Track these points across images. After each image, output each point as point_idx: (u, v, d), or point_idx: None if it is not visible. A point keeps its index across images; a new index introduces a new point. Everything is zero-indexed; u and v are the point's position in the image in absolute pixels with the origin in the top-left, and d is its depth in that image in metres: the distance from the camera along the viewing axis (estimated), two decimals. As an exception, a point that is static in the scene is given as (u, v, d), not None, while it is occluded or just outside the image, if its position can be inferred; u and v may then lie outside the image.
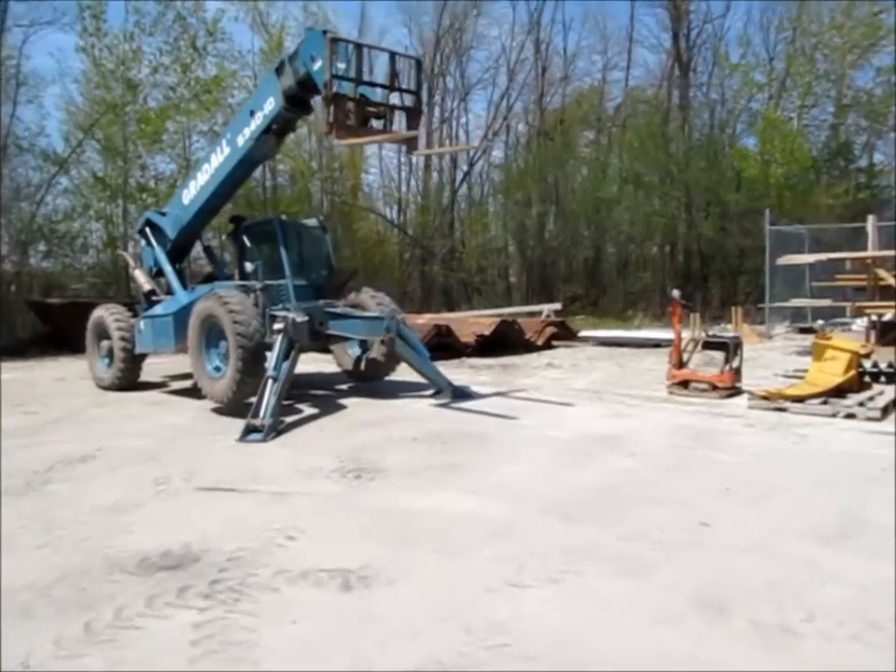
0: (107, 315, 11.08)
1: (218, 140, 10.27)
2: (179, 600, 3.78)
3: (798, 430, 7.25)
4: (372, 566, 4.12)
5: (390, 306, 9.87)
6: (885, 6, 22.86)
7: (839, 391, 8.43)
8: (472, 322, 16.62)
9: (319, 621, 3.53)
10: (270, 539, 4.58)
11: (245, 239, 10.75)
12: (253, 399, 7.98)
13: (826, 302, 15.97)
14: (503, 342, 15.73)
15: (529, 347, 16.04)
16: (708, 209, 23.21)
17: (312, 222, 11.09)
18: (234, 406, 8.50)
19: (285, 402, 9.16)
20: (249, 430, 7.45)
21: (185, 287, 10.69)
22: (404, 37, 44.16)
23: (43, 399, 10.38)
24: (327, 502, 5.36)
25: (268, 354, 8.44)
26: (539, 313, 20.86)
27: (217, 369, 8.90)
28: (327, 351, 10.83)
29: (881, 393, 8.66)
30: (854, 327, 15.29)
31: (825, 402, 8.11)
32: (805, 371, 9.46)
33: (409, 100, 9.01)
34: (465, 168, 32.81)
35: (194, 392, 9.69)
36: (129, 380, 10.89)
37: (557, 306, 21.65)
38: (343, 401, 9.46)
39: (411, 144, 9.28)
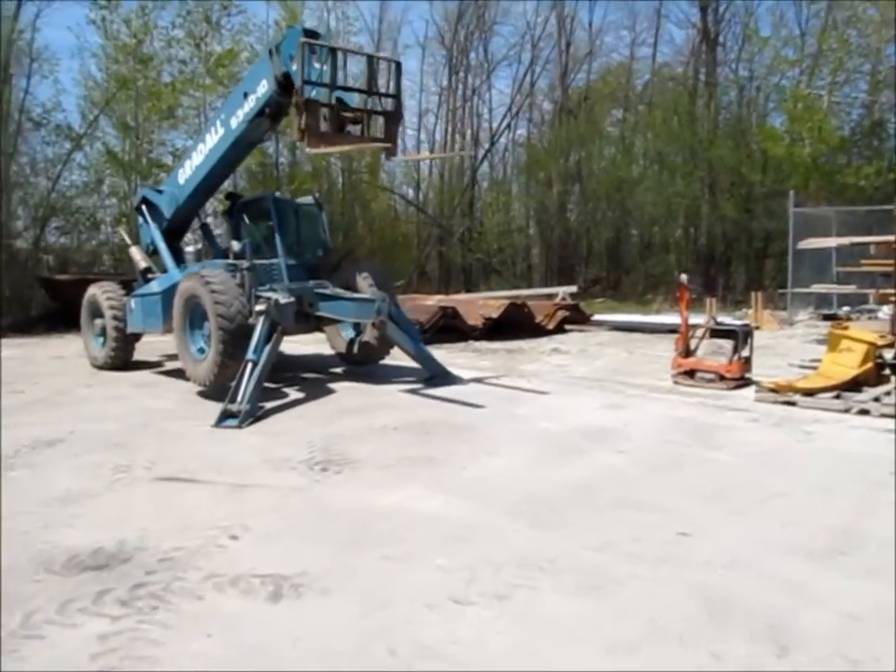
0: (100, 292, 10.87)
1: (213, 120, 9.91)
2: (94, 606, 3.48)
3: (805, 427, 6.76)
4: (311, 572, 3.79)
5: (383, 288, 9.48)
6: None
7: (855, 385, 7.88)
8: (481, 304, 16.18)
9: (235, 637, 3.20)
10: (212, 539, 4.27)
11: (239, 217, 10.45)
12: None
13: (851, 288, 15.23)
14: (513, 325, 15.29)
15: (539, 331, 15.58)
16: (733, 190, 22.36)
17: (307, 200, 10.72)
18: (217, 389, 8.22)
19: (271, 386, 8.92)
20: (225, 416, 7.16)
21: (181, 265, 10.41)
22: (425, 13, 43.49)
23: (34, 377, 10.21)
24: (284, 497, 5.04)
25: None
26: (555, 295, 20.34)
27: (201, 350, 8.62)
28: (321, 331, 10.50)
29: (901, 387, 8.10)
30: (881, 314, 14.56)
31: (837, 397, 7.59)
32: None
33: (388, 104, 8.67)
34: (486, 146, 32.21)
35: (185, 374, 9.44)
36: (122, 359, 10.69)
37: (573, 289, 21.11)
38: (332, 386, 9.15)
39: (389, 150, 8.84)
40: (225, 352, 8.02)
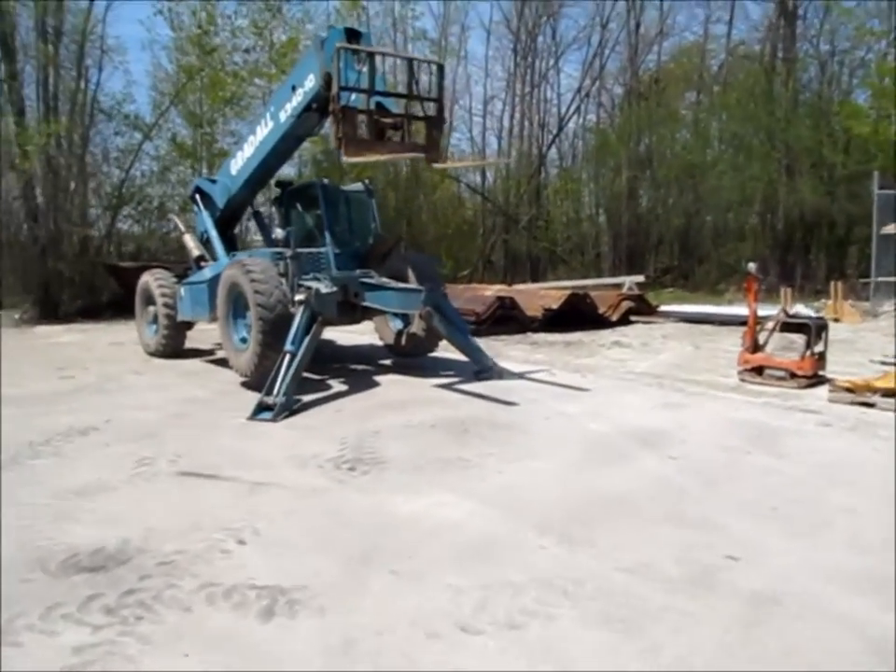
0: (152, 280, 10.93)
1: (263, 112, 9.70)
2: (79, 613, 3.28)
3: (883, 433, 6.07)
4: (312, 587, 3.49)
5: (431, 279, 9.12)
6: None
7: (945, 386, 7.09)
8: (542, 294, 15.66)
9: (213, 657, 2.93)
10: (217, 542, 4.03)
11: (287, 204, 10.29)
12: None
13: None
14: (574, 316, 14.73)
15: (602, 323, 14.96)
16: (812, 172, 20.94)
17: (357, 187, 10.45)
18: (258, 379, 8.03)
19: (315, 378, 8.75)
20: (261, 408, 6.97)
21: (232, 253, 10.33)
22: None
23: (87, 363, 10.36)
24: (303, 499, 4.77)
25: None
26: (621, 285, 19.61)
27: (244, 340, 8.48)
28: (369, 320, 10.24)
29: None
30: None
31: (924, 399, 6.83)
32: (907, 359, 8.12)
33: (430, 108, 8.28)
34: (553, 132, 31.42)
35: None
36: (173, 347, 10.71)
37: (640, 279, 20.30)
38: (377, 378, 8.88)
39: (430, 155, 8.41)
40: (265, 342, 7.85)
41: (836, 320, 14.65)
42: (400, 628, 3.10)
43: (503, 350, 11.46)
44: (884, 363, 8.67)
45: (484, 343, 12.01)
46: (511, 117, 31.28)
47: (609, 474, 5.13)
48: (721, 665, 2.79)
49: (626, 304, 15.61)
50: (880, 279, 16.05)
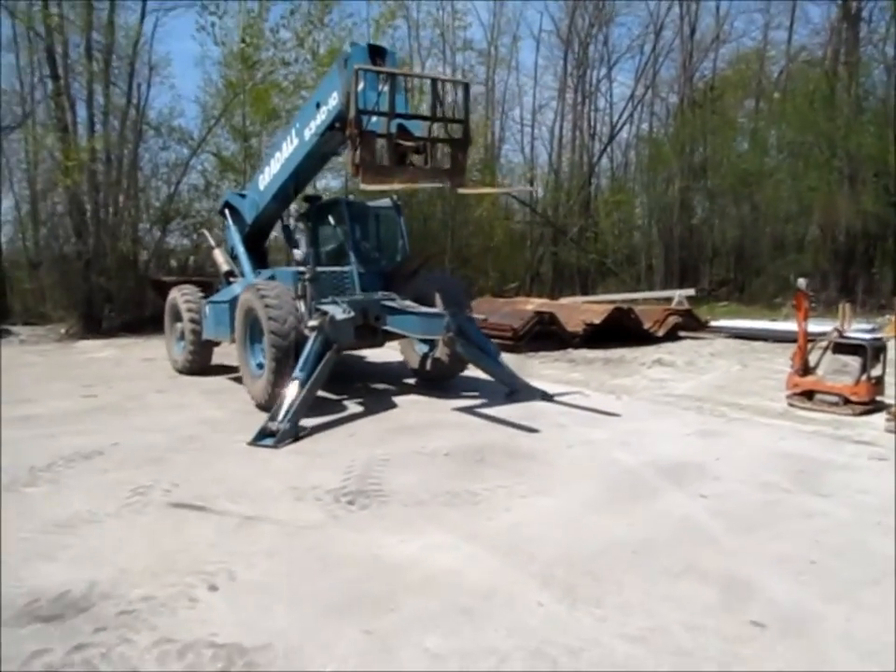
0: (179, 296, 10.84)
1: (289, 128, 9.49)
2: (19, 673, 2.99)
3: (948, 472, 5.42)
4: (275, 646, 3.14)
5: (457, 300, 8.71)
6: None
7: None
8: (584, 309, 15.08)
9: (143, 739, 2.59)
10: (188, 588, 3.72)
11: (315, 220, 10.06)
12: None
13: None
14: (618, 331, 14.13)
15: (648, 339, 14.30)
16: (876, 182, 19.76)
17: (385, 203, 10.14)
18: (272, 407, 7.74)
19: (333, 397, 8.50)
20: (263, 434, 6.69)
21: (258, 270, 10.13)
22: (541, 4, 41.85)
23: (114, 380, 10.30)
24: (292, 537, 4.42)
25: None
26: (671, 299, 18.87)
27: (260, 366, 8.18)
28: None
29: None
30: None
31: None
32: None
33: (456, 130, 7.88)
34: (604, 141, 30.77)
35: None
36: (200, 364, 10.58)
37: (690, 292, 19.49)
38: (398, 399, 8.53)
39: (455, 181, 7.96)
40: (278, 370, 7.54)
41: (901, 338, 13.66)
42: (358, 707, 2.72)
43: (538, 368, 10.99)
44: (951, 388, 7.91)
45: (521, 361, 11.65)
46: (561, 127, 30.72)
47: (629, 515, 4.64)
48: None
49: (673, 319, 14.89)
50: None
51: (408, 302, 8.49)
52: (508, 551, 4.13)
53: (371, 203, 10.10)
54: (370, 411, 7.86)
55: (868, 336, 7.61)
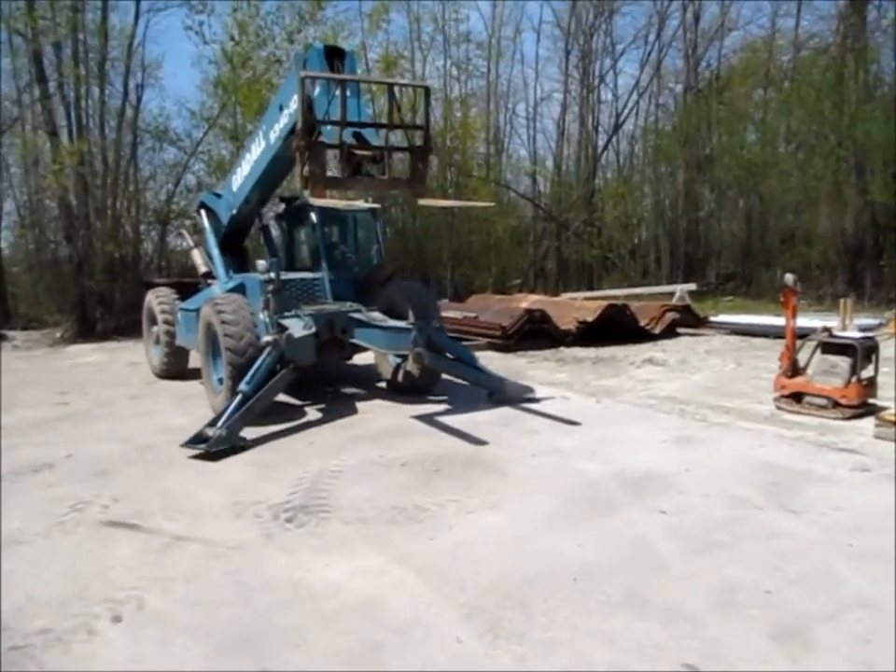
0: (154, 299, 10.63)
1: (257, 129, 9.19)
2: None
3: (933, 483, 5.05)
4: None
5: (425, 311, 8.34)
6: None
7: None
8: (578, 306, 14.71)
9: None
10: (91, 619, 3.52)
11: (289, 222, 9.78)
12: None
13: None
14: (615, 329, 13.76)
15: (644, 336, 13.91)
16: (885, 171, 19.12)
17: (360, 206, 9.83)
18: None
19: (296, 403, 8.29)
20: (198, 438, 6.51)
21: (242, 271, 9.86)
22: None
23: (92, 386, 10.11)
24: (216, 559, 4.16)
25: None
26: (671, 294, 18.44)
27: (221, 381, 7.89)
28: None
29: None
30: None
31: None
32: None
33: (415, 137, 7.40)
34: (607, 134, 30.27)
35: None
36: (176, 368, 10.37)
37: (692, 287, 19.05)
38: (367, 405, 8.26)
39: (416, 190, 7.50)
40: (234, 387, 7.24)
41: (905, 334, 13.19)
42: None
43: (524, 369, 10.68)
44: (949, 389, 7.50)
45: (508, 361, 11.36)
46: (563, 119, 30.27)
47: (579, 534, 4.32)
48: None
49: (670, 316, 14.48)
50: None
51: (375, 314, 8.12)
52: (440, 576, 3.84)
53: (344, 208, 9.78)
54: (334, 417, 7.58)
55: (858, 335, 7.22)
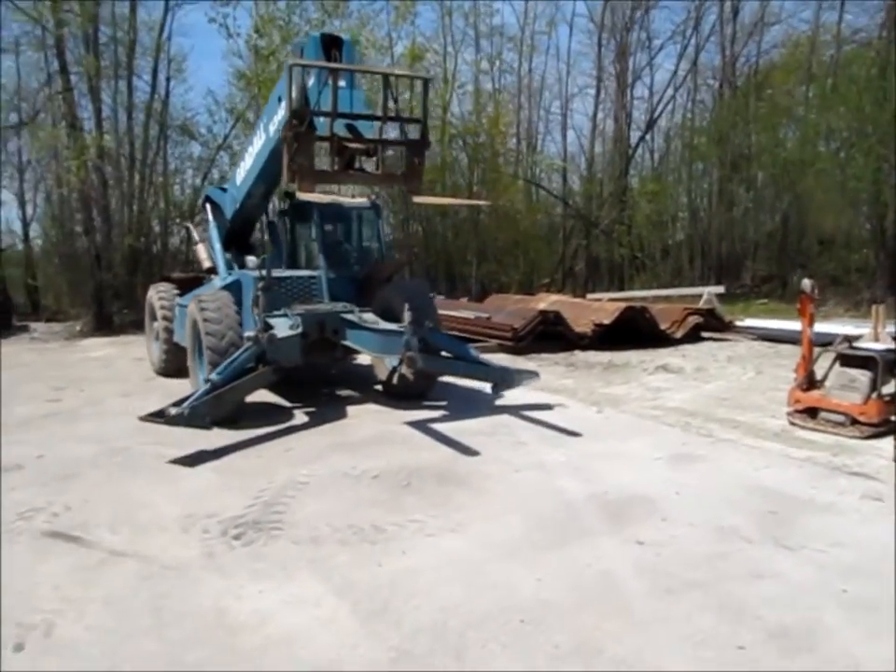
0: (154, 294, 10.47)
1: (258, 122, 8.93)
2: None
3: (950, 518, 4.52)
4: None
5: (422, 312, 7.96)
6: None
7: None
8: (597, 308, 14.21)
9: None
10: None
11: (292, 218, 9.52)
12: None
13: None
14: (634, 332, 13.25)
15: (665, 340, 13.36)
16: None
17: (362, 203, 9.51)
18: (217, 421, 7.09)
19: (286, 405, 8.03)
20: (159, 413, 6.43)
21: (233, 267, 9.64)
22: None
23: (89, 382, 10.00)
24: (146, 580, 3.87)
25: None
26: (699, 296, 17.78)
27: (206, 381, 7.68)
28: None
29: None
30: None
31: None
32: None
33: (412, 130, 7.09)
34: (641, 130, 29.52)
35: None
36: (175, 365, 10.12)
37: (720, 289, 18.35)
38: (357, 409, 7.94)
39: (410, 186, 7.21)
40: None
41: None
42: None
43: (541, 370, 10.22)
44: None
45: (516, 364, 10.85)
46: (595, 115, 29.59)
47: (541, 567, 3.92)
48: None
49: (693, 320, 13.88)
50: None
51: (368, 316, 7.78)
52: (377, 610, 3.49)
53: (346, 204, 9.48)
54: (320, 422, 7.28)
55: (880, 347, 6.66)
